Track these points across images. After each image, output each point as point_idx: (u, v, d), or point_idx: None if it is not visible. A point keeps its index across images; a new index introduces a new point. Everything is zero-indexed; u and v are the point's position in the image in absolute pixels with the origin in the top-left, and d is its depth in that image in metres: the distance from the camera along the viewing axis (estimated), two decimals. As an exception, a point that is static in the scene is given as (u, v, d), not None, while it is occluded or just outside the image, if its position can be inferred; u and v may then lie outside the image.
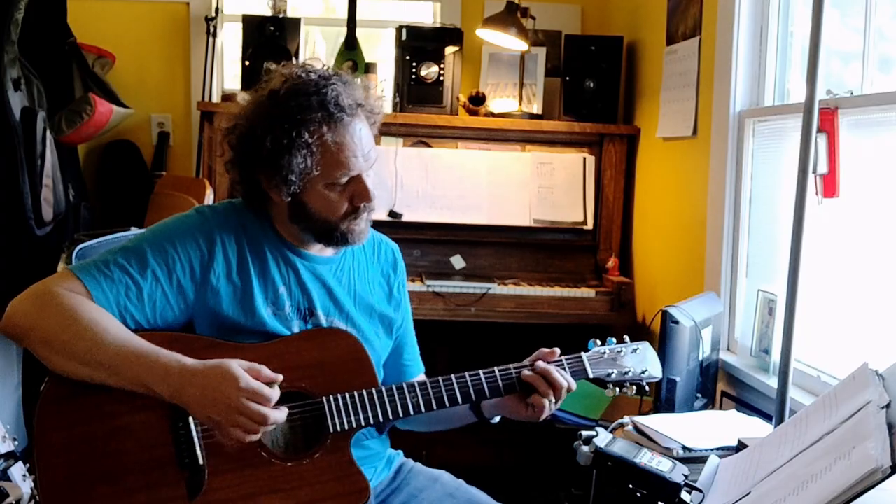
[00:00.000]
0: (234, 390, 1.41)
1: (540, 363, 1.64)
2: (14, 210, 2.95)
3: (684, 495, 1.41)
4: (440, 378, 1.62)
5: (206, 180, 3.29)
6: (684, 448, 1.76)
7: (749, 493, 1.27)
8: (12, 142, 2.93)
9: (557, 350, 1.68)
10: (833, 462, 1.12)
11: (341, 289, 1.71)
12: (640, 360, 1.72)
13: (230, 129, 1.64)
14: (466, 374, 1.63)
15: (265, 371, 1.46)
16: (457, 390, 1.62)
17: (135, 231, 1.94)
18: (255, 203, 1.67)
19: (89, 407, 1.48)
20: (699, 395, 2.34)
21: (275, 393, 1.45)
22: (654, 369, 1.73)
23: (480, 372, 1.64)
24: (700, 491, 1.41)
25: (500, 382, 1.64)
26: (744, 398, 2.45)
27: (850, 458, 1.09)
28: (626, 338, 1.75)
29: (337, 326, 1.68)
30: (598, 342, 1.72)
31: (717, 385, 2.54)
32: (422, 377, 1.89)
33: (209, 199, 3.19)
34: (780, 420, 1.88)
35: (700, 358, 2.29)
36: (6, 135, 2.91)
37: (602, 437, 1.52)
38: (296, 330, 1.63)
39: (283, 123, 1.54)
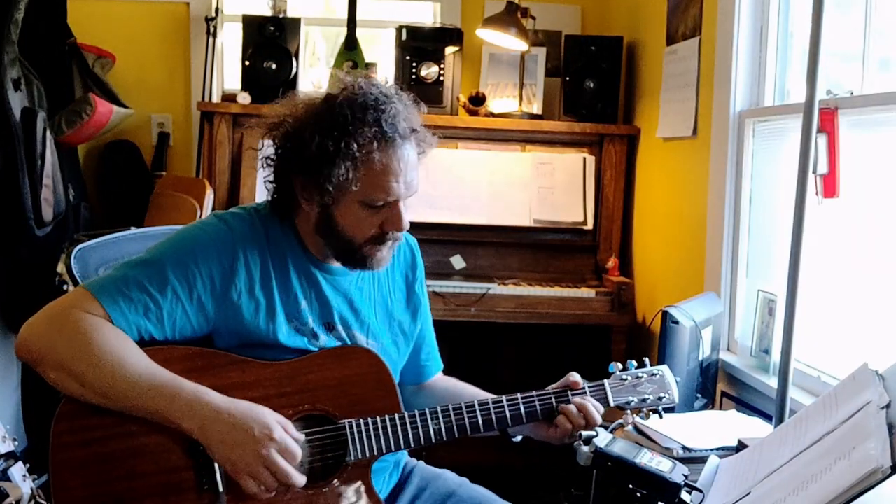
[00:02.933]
0: (267, 440, 1.40)
1: (577, 399, 1.61)
2: (14, 210, 2.95)
3: (684, 495, 1.40)
4: (463, 404, 1.59)
5: (206, 181, 3.29)
6: (684, 448, 1.76)
7: (749, 493, 1.27)
8: (12, 142, 2.93)
9: (580, 380, 1.65)
10: (833, 462, 1.12)
11: (363, 300, 1.68)
12: (659, 385, 1.69)
13: (276, 125, 1.58)
14: (490, 400, 1.61)
15: (291, 429, 1.45)
16: (479, 418, 1.58)
17: (134, 231, 1.94)
18: (281, 208, 1.61)
19: (107, 425, 1.43)
20: (699, 396, 2.34)
21: (300, 452, 1.43)
22: (672, 395, 1.70)
23: (504, 399, 1.61)
24: (700, 491, 1.41)
25: (522, 410, 1.61)
26: (744, 398, 2.45)
27: (851, 459, 1.09)
28: (647, 360, 1.72)
29: (358, 341, 1.65)
30: (619, 366, 1.69)
31: (717, 385, 2.54)
32: (439, 376, 1.87)
33: (209, 199, 3.19)
34: (780, 420, 1.88)
35: (700, 358, 2.29)
36: (6, 135, 2.91)
37: (602, 438, 1.52)
38: (316, 343, 1.59)
39: (334, 130, 1.49)
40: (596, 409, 1.61)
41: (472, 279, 3.30)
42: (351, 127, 1.49)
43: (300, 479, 1.43)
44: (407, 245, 1.81)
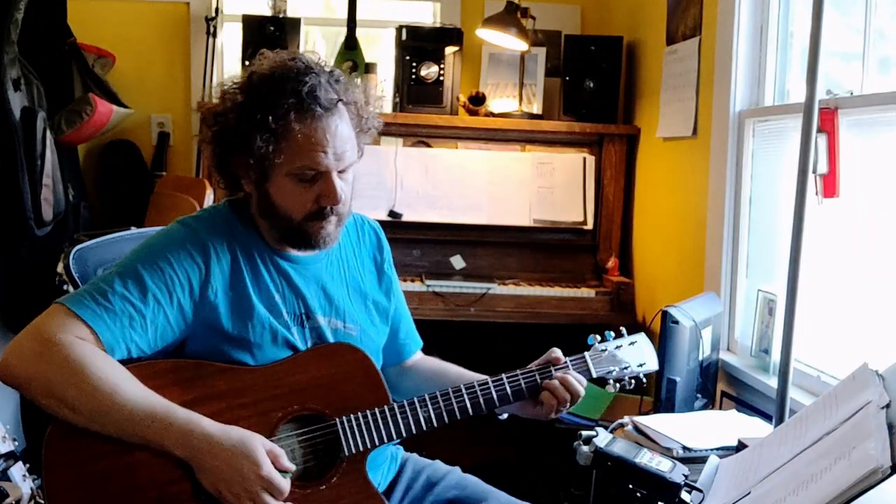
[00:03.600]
0: (254, 476, 1.40)
1: (560, 374, 1.64)
2: (14, 210, 2.95)
3: (684, 495, 1.41)
4: (450, 389, 1.60)
5: (206, 180, 3.29)
6: (684, 448, 1.76)
7: (749, 493, 1.27)
8: (12, 142, 2.93)
9: (561, 356, 1.67)
10: (833, 462, 1.12)
11: (334, 283, 1.68)
12: (638, 353, 1.74)
13: (209, 110, 1.61)
14: (475, 383, 1.62)
15: (283, 459, 1.45)
16: (467, 402, 1.60)
17: (134, 231, 1.93)
18: (236, 200, 1.64)
19: (99, 442, 1.42)
20: (699, 396, 2.34)
21: (287, 488, 1.44)
22: (651, 362, 1.75)
23: (489, 380, 1.63)
24: (700, 491, 1.41)
25: (508, 390, 1.62)
26: (744, 398, 2.45)
27: (851, 458, 1.09)
28: (623, 329, 1.76)
29: (337, 327, 1.65)
30: (598, 337, 1.73)
31: (717, 385, 2.54)
32: (419, 354, 1.89)
33: (209, 199, 3.19)
34: (780, 420, 1.88)
35: (700, 358, 2.29)
36: (6, 135, 2.91)
37: (602, 437, 1.52)
38: (295, 336, 1.60)
39: (252, 104, 1.51)
40: (579, 383, 1.64)
41: (472, 279, 3.30)
42: (270, 100, 1.50)
43: None
44: (370, 227, 1.82)
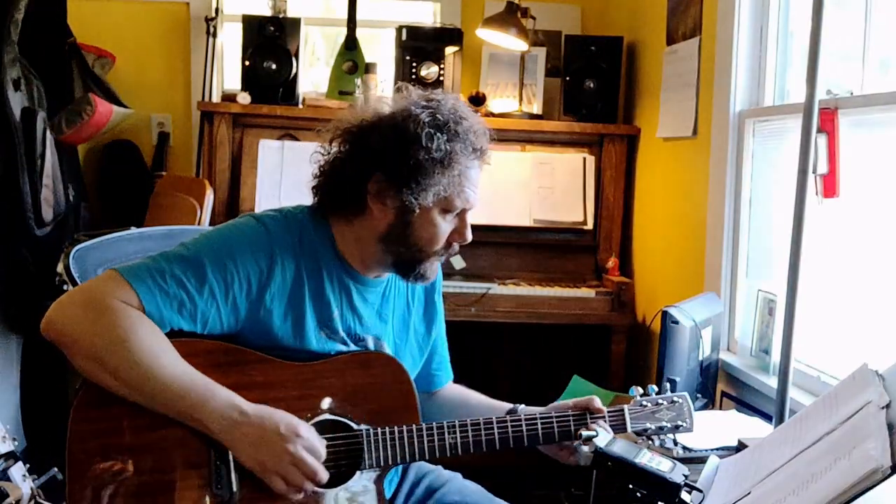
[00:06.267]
0: (294, 436, 1.42)
1: (593, 425, 1.60)
2: (14, 210, 2.95)
3: (684, 495, 1.40)
4: (482, 420, 1.58)
5: (206, 181, 3.29)
6: (684, 448, 1.76)
7: (749, 493, 1.27)
8: (12, 142, 2.93)
9: (601, 407, 1.63)
10: (833, 462, 1.12)
11: (389, 312, 1.69)
12: (678, 413, 1.66)
13: (356, 124, 1.57)
14: (508, 419, 1.60)
15: (313, 432, 1.47)
16: (496, 436, 1.58)
17: (134, 231, 1.93)
18: (324, 213, 1.61)
19: (126, 416, 1.44)
20: (699, 396, 2.34)
21: (324, 452, 1.46)
22: (689, 424, 1.67)
23: (522, 418, 1.60)
24: (700, 491, 1.41)
25: (540, 432, 1.60)
26: (744, 398, 2.45)
27: (851, 459, 1.09)
28: (668, 386, 1.70)
29: (382, 349, 1.65)
30: (640, 390, 1.67)
31: (717, 385, 2.54)
32: (450, 385, 1.87)
33: (209, 199, 3.19)
34: (780, 420, 1.88)
35: (700, 358, 2.29)
36: (6, 135, 2.91)
37: (602, 438, 1.52)
38: (344, 351, 1.59)
39: (443, 135, 1.51)
40: (606, 433, 1.58)
41: (472, 279, 3.30)
42: (462, 136, 1.53)
43: (325, 475, 1.46)
44: None
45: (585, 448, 1.54)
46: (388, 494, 1.68)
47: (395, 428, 1.55)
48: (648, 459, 1.45)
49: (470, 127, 1.56)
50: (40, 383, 3.16)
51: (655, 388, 1.68)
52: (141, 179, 3.74)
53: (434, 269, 1.62)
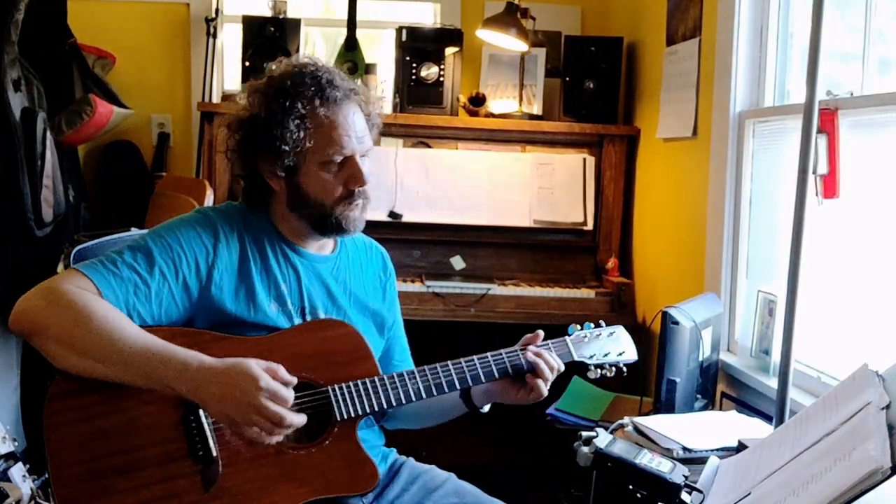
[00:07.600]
0: (254, 389, 1.42)
1: (533, 347, 1.71)
2: (14, 210, 2.95)
3: (684, 496, 1.41)
4: (438, 365, 1.67)
5: (206, 181, 3.29)
6: (684, 449, 1.76)
7: (749, 493, 1.27)
8: (12, 142, 2.93)
9: (541, 333, 1.74)
10: (833, 463, 1.12)
11: (338, 287, 1.76)
12: (618, 343, 1.81)
13: (232, 119, 1.71)
14: (462, 360, 1.69)
15: (281, 372, 1.47)
16: (454, 375, 1.67)
17: (135, 231, 1.94)
18: (256, 200, 1.72)
19: (98, 402, 1.49)
20: (699, 396, 2.34)
21: (291, 394, 1.46)
22: (631, 351, 1.82)
23: (475, 358, 1.69)
24: (700, 492, 1.41)
25: (493, 367, 1.69)
26: (744, 399, 2.45)
27: (851, 459, 1.09)
28: (602, 322, 1.84)
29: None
30: (578, 326, 1.80)
31: (717, 386, 2.54)
32: None
33: (209, 199, 3.19)
34: (781, 421, 1.88)
35: (700, 359, 2.29)
36: (6, 135, 2.91)
37: (602, 438, 1.52)
38: (296, 324, 1.67)
39: (279, 98, 1.62)
40: (554, 358, 1.70)
41: (472, 280, 3.30)
42: (292, 90, 1.63)
43: (297, 419, 1.46)
44: (378, 250, 1.91)
45: (585, 449, 1.54)
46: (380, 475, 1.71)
47: (360, 381, 1.62)
48: (648, 460, 1.45)
49: (318, 78, 1.65)
50: (40, 384, 3.14)
51: (592, 324, 1.82)
52: (141, 180, 3.74)
53: (350, 217, 1.68)
